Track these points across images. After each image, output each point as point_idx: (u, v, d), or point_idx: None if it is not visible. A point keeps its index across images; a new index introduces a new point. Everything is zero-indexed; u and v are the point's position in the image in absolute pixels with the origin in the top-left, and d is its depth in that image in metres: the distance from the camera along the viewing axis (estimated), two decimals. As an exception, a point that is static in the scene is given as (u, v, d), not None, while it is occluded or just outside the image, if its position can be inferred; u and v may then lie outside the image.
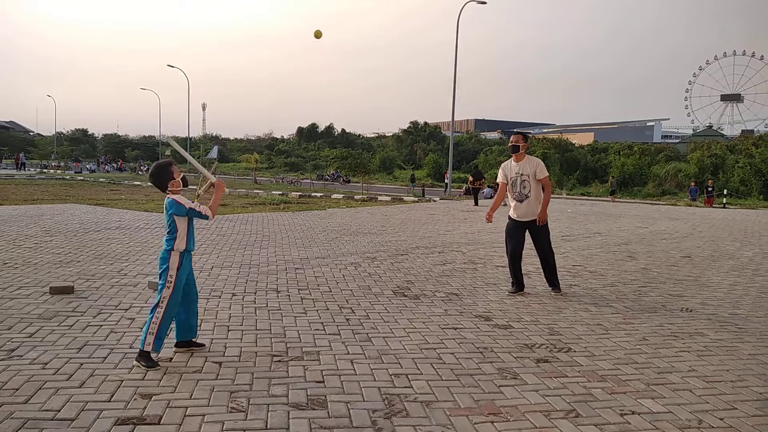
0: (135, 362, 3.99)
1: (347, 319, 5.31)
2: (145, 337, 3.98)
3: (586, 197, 33.05)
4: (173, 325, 4.29)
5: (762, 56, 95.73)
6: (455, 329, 5.07)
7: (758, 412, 3.47)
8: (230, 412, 3.31)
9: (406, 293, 6.43)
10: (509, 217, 6.66)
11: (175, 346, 4.32)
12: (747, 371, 4.18)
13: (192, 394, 3.54)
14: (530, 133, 63.17)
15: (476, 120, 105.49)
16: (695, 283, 7.44)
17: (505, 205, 7.17)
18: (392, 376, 3.90)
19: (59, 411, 3.27)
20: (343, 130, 78.75)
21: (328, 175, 48.24)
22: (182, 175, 4.31)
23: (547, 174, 6.55)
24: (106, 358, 4.15)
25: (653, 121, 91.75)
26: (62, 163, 58.53)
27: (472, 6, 31.06)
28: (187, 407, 3.35)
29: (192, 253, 4.27)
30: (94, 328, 4.84)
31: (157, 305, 4.04)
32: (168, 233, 4.13)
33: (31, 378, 3.74)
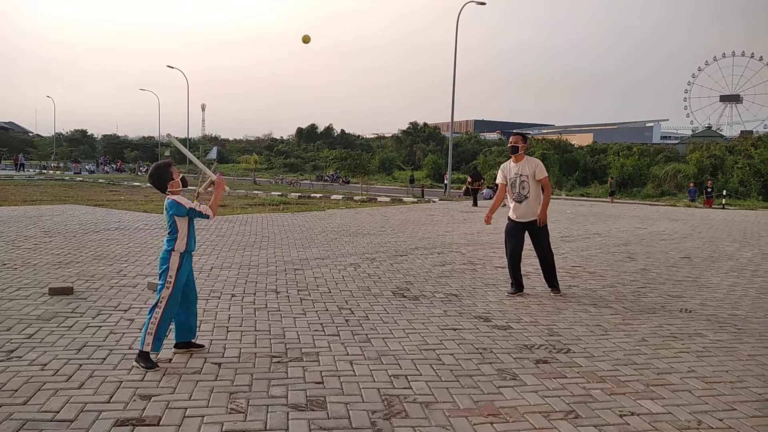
0: (134, 363, 3.99)
1: (346, 320, 5.31)
2: (144, 337, 3.99)
3: (585, 198, 33.08)
4: (172, 326, 4.29)
5: (761, 57, 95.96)
6: (454, 330, 5.07)
7: (757, 413, 3.47)
8: (229, 413, 3.31)
9: (405, 294, 6.43)
10: (508, 218, 6.66)
11: (175, 347, 4.32)
12: (746, 372, 4.19)
13: (191, 395, 3.53)
14: (529, 133, 63.29)
15: (475, 121, 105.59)
16: (694, 283, 7.44)
17: (504, 206, 7.17)
18: (391, 377, 3.90)
19: (58, 412, 3.27)
20: (342, 130, 78.84)
21: (328, 176, 48.26)
22: (181, 175, 4.31)
23: (547, 174, 6.55)
24: (105, 359, 4.14)
25: (652, 122, 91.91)
26: (61, 164, 58.50)
27: (471, 6, 31.10)
28: (186, 408, 3.35)
29: (193, 253, 4.27)
30: (94, 329, 4.83)
31: (155, 305, 4.04)
32: (169, 234, 4.14)
33: (31, 379, 3.73)
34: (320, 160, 57.73)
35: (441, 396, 3.61)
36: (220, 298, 6.06)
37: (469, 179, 24.56)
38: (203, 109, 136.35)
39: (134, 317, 5.22)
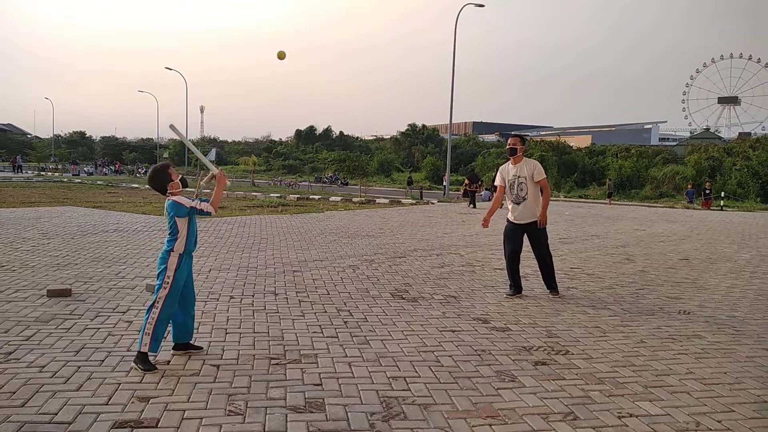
0: (133, 364, 3.99)
1: (345, 322, 5.31)
2: (142, 338, 3.99)
3: (583, 200, 33.10)
4: (170, 328, 4.29)
5: (759, 59, 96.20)
6: (453, 332, 5.07)
7: (756, 415, 3.47)
8: (228, 415, 3.31)
9: (404, 296, 6.43)
10: (507, 220, 6.67)
11: (173, 348, 4.32)
12: (744, 373, 4.19)
13: (190, 397, 3.53)
14: (528, 135, 63.31)
15: (474, 122, 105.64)
16: (693, 285, 7.45)
17: (503, 206, 7.17)
18: (390, 379, 3.90)
19: (56, 414, 3.26)
20: (341, 132, 78.75)
21: (326, 178, 48.25)
22: (181, 176, 4.31)
23: (545, 176, 6.55)
24: (103, 361, 4.14)
25: (651, 124, 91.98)
26: (60, 166, 58.44)
27: (470, 8, 31.09)
28: (184, 410, 3.35)
29: (192, 254, 4.27)
30: (92, 331, 4.83)
31: (152, 305, 4.05)
32: (169, 234, 4.15)
33: (28, 381, 3.73)
34: (319, 161, 57.70)
35: (439, 398, 3.61)
36: (218, 299, 6.06)
37: (467, 181, 24.56)
38: (202, 110, 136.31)
39: (132, 319, 5.21)
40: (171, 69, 55.98)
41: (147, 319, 4.02)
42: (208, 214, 4.18)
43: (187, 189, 4.45)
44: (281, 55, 5.83)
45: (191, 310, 4.34)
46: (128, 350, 4.36)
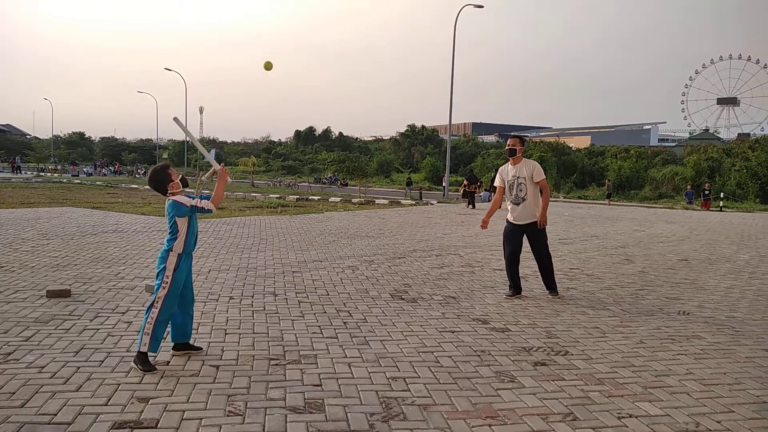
0: (132, 364, 3.99)
1: (344, 323, 5.31)
2: (141, 338, 3.99)
3: (583, 200, 33.11)
4: (170, 328, 4.29)
5: (758, 60, 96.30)
6: (453, 332, 5.07)
7: (755, 415, 3.48)
8: (227, 415, 3.31)
9: (403, 296, 6.43)
10: (507, 221, 6.67)
11: (173, 349, 4.32)
12: (744, 374, 4.19)
13: (189, 398, 3.53)
14: (527, 136, 63.31)
15: (473, 123, 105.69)
16: (692, 286, 7.45)
17: (501, 207, 7.17)
18: (390, 380, 3.90)
19: (56, 415, 3.26)
20: (340, 133, 78.77)
21: (326, 179, 48.27)
22: (180, 175, 4.31)
23: (544, 176, 6.56)
24: (103, 361, 4.14)
25: (650, 125, 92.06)
26: (59, 167, 58.41)
27: (469, 8, 31.12)
28: (184, 411, 3.35)
29: (192, 254, 4.28)
30: (91, 332, 4.83)
31: (152, 305, 4.05)
32: (170, 234, 4.15)
33: (28, 382, 3.72)
34: (318, 162, 57.73)
35: (439, 398, 3.61)
36: (218, 300, 6.06)
37: (465, 182, 24.56)
38: (201, 111, 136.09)
39: (132, 320, 5.21)
40: (170, 70, 56.00)
41: (146, 319, 4.02)
42: (209, 211, 4.18)
43: (188, 189, 4.44)
44: (268, 66, 5.79)
45: (190, 311, 4.34)
46: (128, 351, 4.36)
